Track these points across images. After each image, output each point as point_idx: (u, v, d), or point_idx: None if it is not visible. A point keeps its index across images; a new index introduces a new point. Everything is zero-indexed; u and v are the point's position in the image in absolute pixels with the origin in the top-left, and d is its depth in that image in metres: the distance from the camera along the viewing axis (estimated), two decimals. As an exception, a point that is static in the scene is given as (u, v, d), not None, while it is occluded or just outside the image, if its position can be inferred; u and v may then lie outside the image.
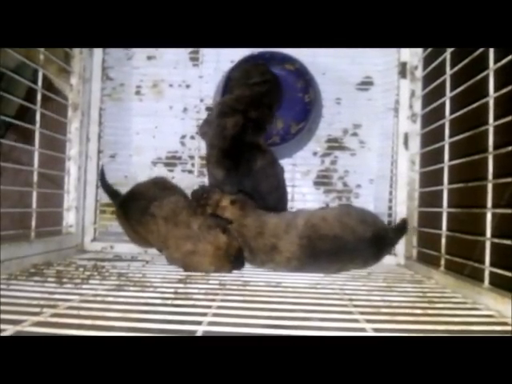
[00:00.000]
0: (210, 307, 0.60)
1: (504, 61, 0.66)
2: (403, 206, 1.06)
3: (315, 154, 1.15)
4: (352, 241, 0.83)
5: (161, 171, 1.15)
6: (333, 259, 0.84)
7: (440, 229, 0.87)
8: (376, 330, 0.52)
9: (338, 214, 0.88)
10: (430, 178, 0.99)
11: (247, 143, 0.95)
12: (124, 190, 1.05)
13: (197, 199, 0.89)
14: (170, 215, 0.88)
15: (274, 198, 0.97)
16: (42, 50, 0.91)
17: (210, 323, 0.53)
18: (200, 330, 0.50)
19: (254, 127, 0.95)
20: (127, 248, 1.06)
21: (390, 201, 1.10)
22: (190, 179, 1.15)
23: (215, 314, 0.57)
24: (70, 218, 1.06)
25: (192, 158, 1.16)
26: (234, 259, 0.85)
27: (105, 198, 1.13)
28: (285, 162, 1.10)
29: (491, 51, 0.70)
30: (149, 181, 1.02)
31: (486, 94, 0.71)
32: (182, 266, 0.87)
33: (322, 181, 1.15)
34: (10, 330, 0.48)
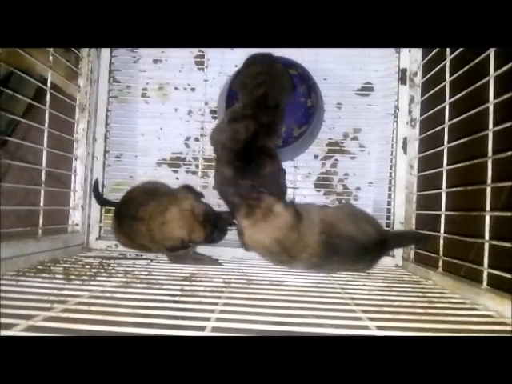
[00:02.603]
0: (216, 304, 0.61)
1: (504, 68, 0.69)
2: (401, 208, 1.08)
3: (316, 156, 1.18)
4: (363, 240, 0.84)
5: (165, 172, 1.17)
6: (346, 257, 0.85)
7: (437, 231, 0.89)
8: (379, 327, 0.54)
9: (347, 213, 0.89)
10: (427, 182, 1.01)
11: (259, 148, 0.96)
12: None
13: (247, 198, 0.89)
14: (155, 211, 0.92)
15: None
16: (51, 51, 0.93)
17: (218, 319, 0.55)
18: (209, 326, 0.52)
19: (265, 131, 0.97)
20: (131, 247, 1.07)
21: (389, 203, 1.12)
22: (193, 180, 1.16)
23: (222, 311, 0.58)
24: (75, 217, 1.08)
25: (196, 159, 1.17)
26: (203, 222, 0.88)
27: (110, 197, 1.14)
28: (287, 165, 1.12)
29: (491, 59, 0.72)
30: (139, 188, 1.03)
31: (485, 101, 0.73)
32: (160, 238, 0.91)
33: (323, 183, 1.17)
34: (22, 325, 0.49)
